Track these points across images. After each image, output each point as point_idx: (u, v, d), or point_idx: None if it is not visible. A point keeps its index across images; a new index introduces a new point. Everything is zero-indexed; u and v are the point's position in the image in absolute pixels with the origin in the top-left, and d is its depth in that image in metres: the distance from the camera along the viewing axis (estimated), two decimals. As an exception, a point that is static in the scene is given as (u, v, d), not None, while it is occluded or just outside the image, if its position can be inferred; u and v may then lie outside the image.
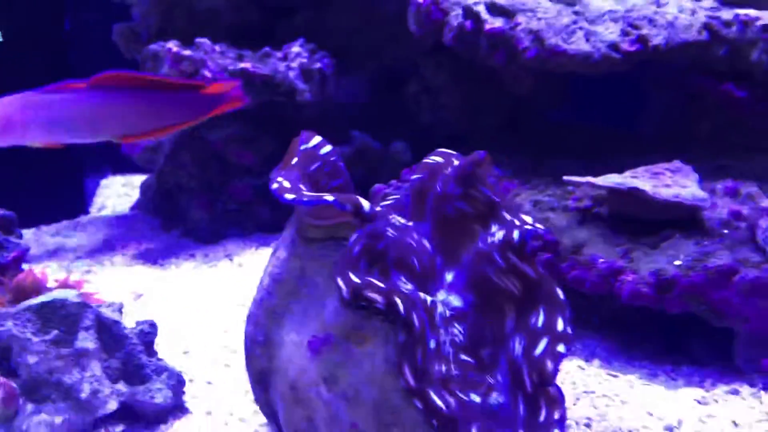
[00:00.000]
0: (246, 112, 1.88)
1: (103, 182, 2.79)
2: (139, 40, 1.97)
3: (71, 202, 2.47)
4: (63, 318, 0.99)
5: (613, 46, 1.47)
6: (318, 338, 0.88)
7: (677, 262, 1.11)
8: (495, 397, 0.87)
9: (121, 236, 1.88)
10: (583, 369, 1.13)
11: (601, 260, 1.15)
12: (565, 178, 1.31)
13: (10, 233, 1.57)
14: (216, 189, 1.86)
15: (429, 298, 0.93)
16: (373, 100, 2.01)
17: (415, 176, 1.08)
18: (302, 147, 1.01)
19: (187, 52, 1.63)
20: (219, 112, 1.01)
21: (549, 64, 1.49)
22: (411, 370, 0.81)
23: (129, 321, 1.27)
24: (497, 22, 1.53)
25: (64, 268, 1.67)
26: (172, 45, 1.65)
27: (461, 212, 0.99)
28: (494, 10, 1.55)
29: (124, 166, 2.77)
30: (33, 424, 0.89)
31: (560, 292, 0.89)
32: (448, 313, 0.92)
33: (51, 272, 1.64)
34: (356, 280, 0.84)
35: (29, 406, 0.91)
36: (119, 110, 0.85)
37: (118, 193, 2.63)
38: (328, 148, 1.01)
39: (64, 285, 1.46)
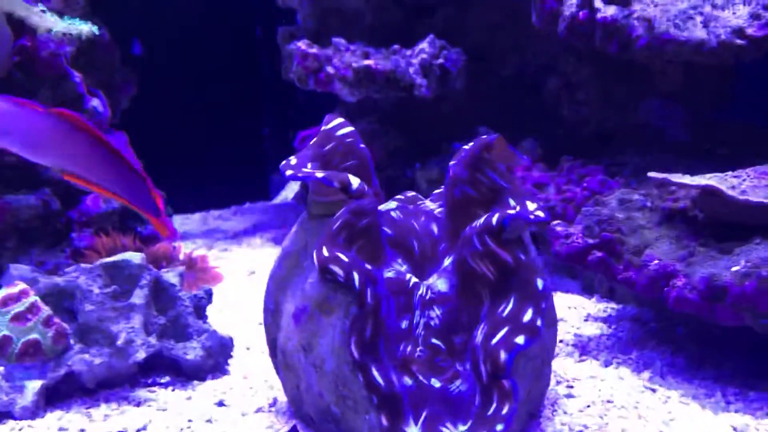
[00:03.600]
0: (377, 108, 1.95)
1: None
2: (298, 38, 2.12)
3: (257, 192, 2.74)
4: (126, 277, 1.13)
5: (737, 31, 1.31)
6: (297, 308, 0.91)
7: (735, 268, 0.96)
8: (457, 385, 0.84)
9: (267, 222, 2.05)
10: (623, 378, 1.03)
11: (655, 262, 1.04)
12: (650, 174, 1.20)
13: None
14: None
15: (413, 280, 0.93)
16: (510, 96, 1.97)
17: (451, 163, 1.07)
18: (322, 128, 1.05)
19: (312, 50, 1.74)
20: (148, 217, 1.05)
21: (661, 53, 1.37)
22: (357, 344, 0.82)
23: (237, 293, 1.40)
24: (610, 11, 1.44)
25: (207, 245, 1.86)
26: (302, 44, 1.77)
27: (467, 196, 0.96)
28: (609, -2, 1.46)
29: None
30: (76, 360, 1.03)
31: (539, 282, 0.84)
32: (429, 295, 0.90)
33: (196, 247, 1.84)
34: (325, 253, 0.87)
35: (77, 346, 1.05)
36: (71, 146, 0.93)
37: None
38: (345, 129, 1.04)
39: (188, 258, 1.65)
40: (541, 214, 0.88)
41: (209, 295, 1.19)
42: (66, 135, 0.92)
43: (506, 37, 1.95)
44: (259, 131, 2.78)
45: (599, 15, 1.45)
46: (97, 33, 1.30)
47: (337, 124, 1.04)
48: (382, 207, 1.04)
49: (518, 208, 0.89)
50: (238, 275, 1.59)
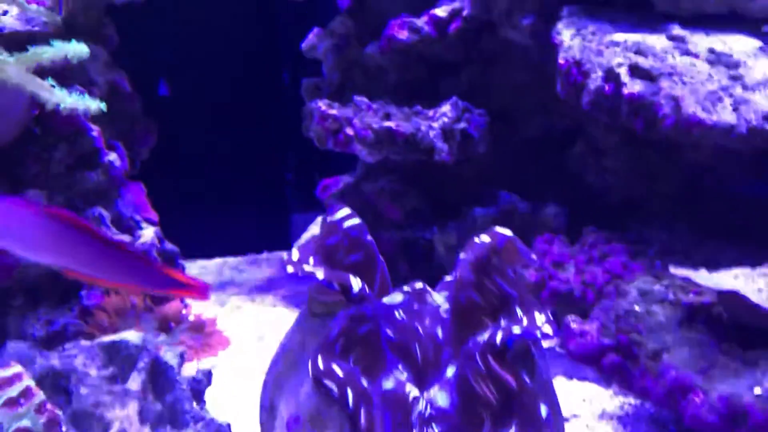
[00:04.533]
0: (398, 167, 1.92)
1: (319, 218, 2.99)
2: (321, 95, 2.11)
3: (277, 238, 2.71)
4: (124, 358, 1.11)
5: (769, 116, 1.26)
6: (291, 416, 0.87)
7: (758, 390, 0.90)
8: None
9: (282, 277, 2.02)
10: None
11: (673, 371, 0.98)
12: (671, 269, 1.15)
13: (172, 265, 1.77)
14: (369, 240, 1.91)
15: (413, 393, 0.88)
16: (534, 159, 1.92)
17: (462, 255, 1.02)
18: (327, 218, 1.01)
19: (332, 111, 1.71)
20: (174, 293, 1.02)
21: (688, 135, 1.32)
22: (348, 469, 0.77)
23: (243, 361, 1.37)
24: (637, 86, 1.39)
25: (219, 301, 1.83)
26: (322, 104, 1.74)
27: (473, 302, 0.92)
28: (637, 72, 1.41)
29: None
30: (68, 450, 1.01)
31: (543, 410, 0.79)
32: (429, 412, 0.86)
33: (210, 303, 1.82)
34: (320, 365, 0.83)
35: (69, 433, 1.03)
36: (69, 243, 0.91)
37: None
38: (352, 221, 1.00)
39: (198, 321, 1.62)
40: (549, 330, 0.83)
41: (208, 377, 1.16)
42: (62, 235, 0.90)
43: (531, 98, 1.91)
44: (281, 176, 2.77)
45: (625, 90, 1.40)
46: (105, 110, 1.28)
47: (343, 216, 1.01)
48: (387, 299, 1.00)
49: (525, 322, 0.84)
50: (246, 339, 1.56)
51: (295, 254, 0.96)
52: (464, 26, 1.83)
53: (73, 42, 1.28)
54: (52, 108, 1.22)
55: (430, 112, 1.78)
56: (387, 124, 1.71)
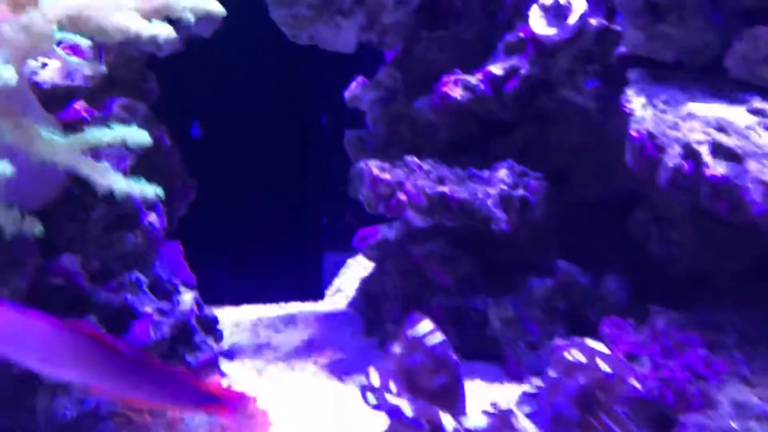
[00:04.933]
0: (448, 230, 1.82)
1: (350, 261, 2.91)
2: (366, 148, 2.03)
3: (308, 283, 2.62)
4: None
5: None
6: None
7: None
8: None
9: (322, 338, 1.93)
10: None
11: None
12: None
13: (211, 334, 1.68)
14: (414, 304, 1.82)
15: None
16: (592, 225, 1.83)
17: (550, 372, 0.93)
18: (408, 332, 0.92)
19: (385, 176, 1.63)
20: (207, 412, 0.94)
21: (781, 226, 1.22)
22: None
23: None
24: (720, 168, 1.29)
25: (257, 368, 1.74)
26: (374, 167, 1.66)
27: (575, 442, 0.82)
28: (720, 152, 1.32)
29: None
30: None
31: None
32: None
33: (247, 371, 1.73)
34: None
35: None
36: (93, 360, 0.83)
37: (356, 277, 2.71)
38: (436, 338, 0.92)
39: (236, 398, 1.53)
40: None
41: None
42: (85, 351, 0.82)
43: (590, 159, 1.82)
44: (315, 220, 2.68)
45: (707, 171, 1.30)
46: (155, 195, 1.20)
47: (426, 331, 0.92)
48: (469, 425, 0.90)
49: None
50: (288, 419, 1.47)
51: (375, 377, 0.87)
52: (521, 85, 1.74)
53: (134, 127, 1.19)
54: (106, 192, 1.14)
55: (485, 174, 1.69)
56: (441, 189, 1.62)
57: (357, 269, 2.84)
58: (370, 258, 2.17)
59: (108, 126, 1.21)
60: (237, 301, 2.53)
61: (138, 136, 1.18)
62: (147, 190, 1.18)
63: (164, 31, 1.22)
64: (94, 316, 1.46)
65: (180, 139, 1.88)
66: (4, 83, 0.99)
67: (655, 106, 1.46)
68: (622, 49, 1.63)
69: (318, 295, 2.58)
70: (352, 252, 2.96)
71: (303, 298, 2.57)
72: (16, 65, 1.04)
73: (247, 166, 2.51)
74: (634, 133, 1.43)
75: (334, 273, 2.80)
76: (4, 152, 1.10)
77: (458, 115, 1.83)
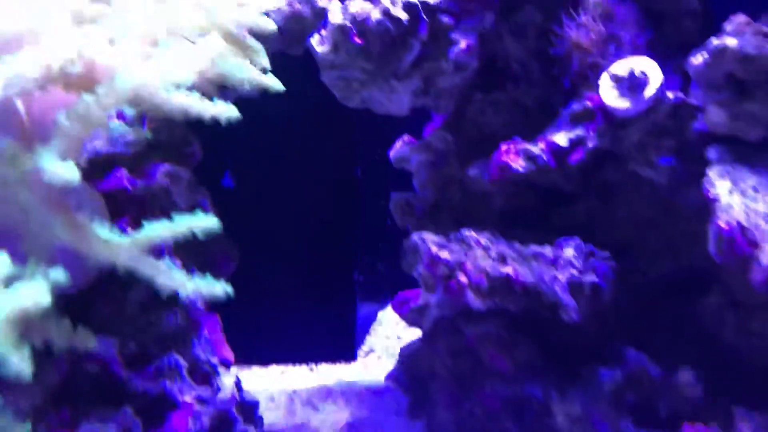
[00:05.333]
0: (506, 311, 1.71)
1: (380, 315, 2.79)
2: (413, 212, 1.92)
3: (341, 342, 2.50)
4: None
5: None
6: None
7: None
8: None
9: (365, 419, 1.81)
10: None
11: None
12: None
13: (251, 422, 1.57)
14: (466, 387, 1.70)
15: None
16: (659, 307, 1.71)
17: None
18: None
19: (444, 255, 1.52)
20: None
21: None
22: None
23: None
24: (828, 270, 1.18)
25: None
26: (431, 243, 1.55)
27: None
28: (826, 251, 1.20)
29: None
30: None
31: None
32: None
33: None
34: None
35: None
36: None
37: (389, 334, 2.60)
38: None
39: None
40: None
41: None
42: None
43: (658, 235, 1.70)
44: (350, 277, 2.57)
45: (812, 273, 1.19)
46: (224, 293, 1.10)
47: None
48: None
49: None
50: None
51: None
52: (587, 158, 1.63)
53: (199, 213, 1.09)
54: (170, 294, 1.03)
55: (549, 252, 1.57)
56: (504, 270, 1.51)
57: (389, 325, 2.73)
58: (410, 323, 2.06)
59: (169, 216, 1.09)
60: (266, 361, 2.42)
61: (203, 222, 1.07)
62: (215, 288, 1.07)
63: (227, 112, 1.12)
64: (131, 406, 1.36)
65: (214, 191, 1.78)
66: (66, 183, 0.89)
67: (743, 193, 1.35)
68: (699, 123, 1.52)
69: (351, 355, 2.47)
70: (382, 302, 2.86)
71: (335, 358, 2.46)
72: (73, 158, 0.94)
73: (279, 219, 2.41)
74: (722, 225, 1.32)
75: (365, 327, 2.69)
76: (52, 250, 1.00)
77: (516, 186, 1.72)
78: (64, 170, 0.90)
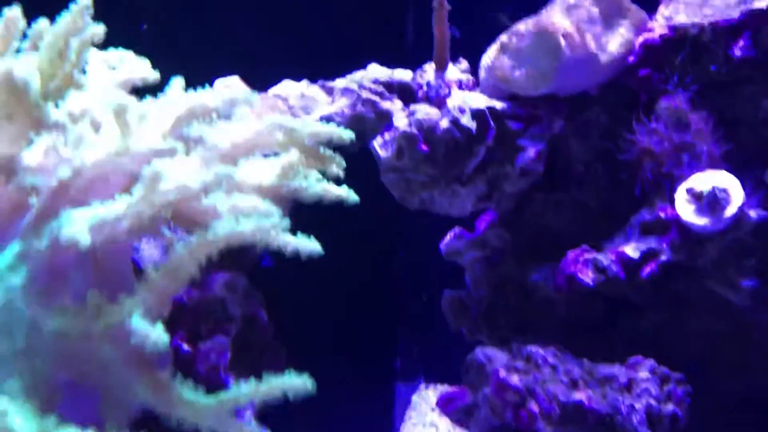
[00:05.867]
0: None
1: (414, 398, 2.70)
2: (468, 314, 1.85)
3: (379, 429, 2.42)
4: None
5: None
6: None
7: None
8: None
9: None
10: None
11: None
12: None
13: None
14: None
15: None
16: (735, 424, 1.62)
17: None
18: None
19: (514, 380, 1.44)
20: None
21: None
22: None
23: None
24: None
25: None
26: (500, 367, 1.47)
27: None
28: None
29: (439, 372, 2.66)
30: None
31: None
32: None
33: None
34: None
35: None
36: None
37: (426, 422, 2.51)
38: None
39: None
40: None
41: None
42: None
43: (730, 351, 1.62)
44: (390, 363, 2.48)
45: None
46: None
47: None
48: None
49: None
50: None
51: None
52: (659, 271, 1.56)
53: (290, 375, 1.01)
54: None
55: (621, 374, 1.49)
56: (577, 396, 1.43)
57: (425, 408, 2.64)
58: (456, 422, 1.97)
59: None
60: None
61: (294, 384, 0.99)
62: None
63: (310, 247, 1.06)
64: None
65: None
66: (154, 347, 0.83)
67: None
68: (785, 244, 1.45)
69: (390, 439, 2.38)
70: (416, 385, 2.77)
71: (373, 446, 2.37)
72: (160, 314, 0.88)
73: (319, 298, 2.34)
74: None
75: (401, 413, 2.60)
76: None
77: (582, 296, 1.65)
78: (155, 334, 0.83)
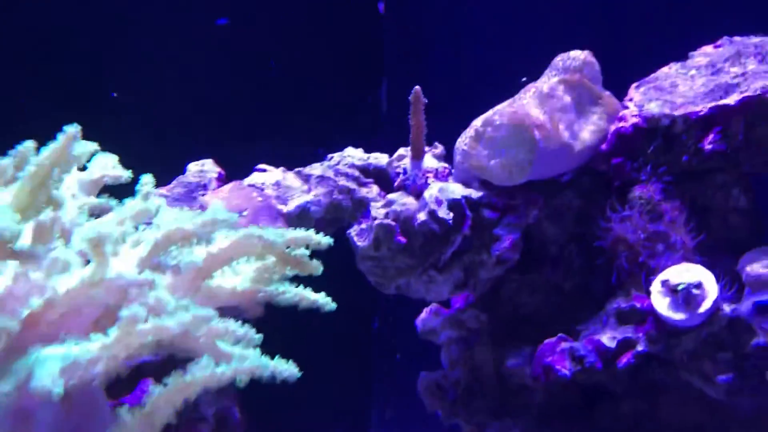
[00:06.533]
0: None
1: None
2: (445, 398, 1.83)
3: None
4: None
5: None
6: None
7: None
8: None
9: None
10: None
11: None
12: None
13: None
14: None
15: None
16: None
17: None
18: None
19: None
20: None
21: None
22: None
23: None
24: None
25: None
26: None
27: None
28: None
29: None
30: None
31: None
32: None
33: None
34: None
35: None
36: None
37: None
38: None
39: None
40: None
41: None
42: None
43: (706, 438, 1.62)
44: (367, 413, 2.45)
45: None
46: None
47: None
48: None
49: None
50: None
51: None
52: (636, 362, 1.56)
53: None
54: None
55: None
56: (556, 495, 1.41)
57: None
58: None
59: None
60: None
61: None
62: None
63: (289, 370, 1.04)
64: None
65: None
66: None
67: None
68: (758, 340, 1.46)
69: None
70: None
71: None
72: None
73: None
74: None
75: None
76: None
77: (560, 385, 1.64)
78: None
